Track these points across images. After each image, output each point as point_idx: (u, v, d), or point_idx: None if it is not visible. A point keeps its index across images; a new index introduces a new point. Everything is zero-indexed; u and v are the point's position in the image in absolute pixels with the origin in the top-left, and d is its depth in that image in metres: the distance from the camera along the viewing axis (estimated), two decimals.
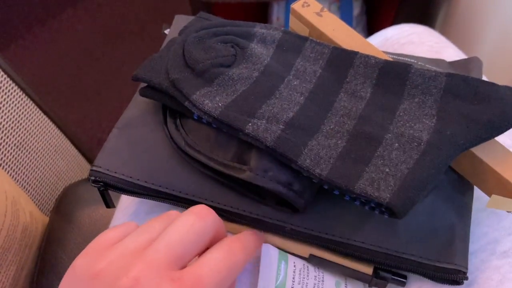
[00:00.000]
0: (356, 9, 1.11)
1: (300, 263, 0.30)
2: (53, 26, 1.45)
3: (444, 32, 0.47)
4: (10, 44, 1.39)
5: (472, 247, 0.30)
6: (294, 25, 0.38)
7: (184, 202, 0.31)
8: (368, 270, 0.29)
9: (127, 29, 1.44)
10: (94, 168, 0.31)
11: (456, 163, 0.30)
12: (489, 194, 0.29)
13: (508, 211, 0.29)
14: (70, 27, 1.45)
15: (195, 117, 0.31)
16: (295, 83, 0.32)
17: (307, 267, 0.30)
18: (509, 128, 0.28)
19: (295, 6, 0.37)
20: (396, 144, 0.27)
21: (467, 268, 0.27)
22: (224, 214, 0.30)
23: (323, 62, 0.33)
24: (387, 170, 0.26)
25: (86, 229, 0.55)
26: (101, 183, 0.31)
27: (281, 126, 0.28)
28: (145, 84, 0.32)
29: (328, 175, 0.26)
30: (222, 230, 0.25)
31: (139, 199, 0.37)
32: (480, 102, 0.28)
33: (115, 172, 0.30)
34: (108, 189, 0.31)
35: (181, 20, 0.39)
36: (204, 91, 0.30)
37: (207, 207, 0.24)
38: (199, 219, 0.23)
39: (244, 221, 0.30)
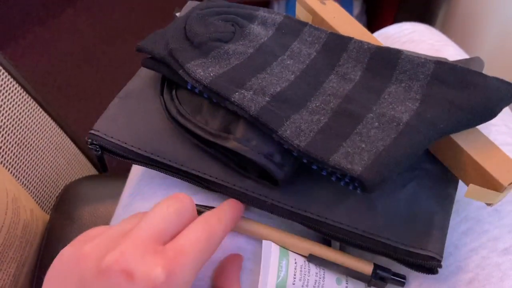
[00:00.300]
0: (356, 9, 1.11)
1: (301, 260, 0.30)
2: (53, 26, 1.45)
3: (444, 31, 0.48)
4: (11, 43, 1.39)
5: (473, 244, 0.30)
6: (300, 14, 0.39)
7: (172, 171, 0.32)
8: (367, 270, 0.29)
9: (127, 29, 1.44)
10: (92, 131, 0.33)
11: (440, 152, 0.31)
12: (468, 184, 0.29)
13: (487, 204, 0.28)
14: (70, 27, 1.45)
15: (189, 87, 0.32)
16: (288, 62, 0.33)
17: (308, 263, 0.30)
18: (492, 117, 0.28)
19: None
20: (376, 123, 0.28)
21: (441, 256, 0.27)
22: (210, 185, 0.31)
23: (319, 46, 0.34)
24: (363, 146, 0.27)
25: (87, 226, 0.55)
26: (98, 146, 0.33)
27: (267, 98, 0.29)
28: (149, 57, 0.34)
29: (306, 147, 0.27)
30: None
31: (140, 197, 0.37)
32: (466, 89, 0.29)
33: (112, 137, 0.32)
34: (104, 153, 0.33)
35: (193, 5, 0.40)
36: (199, 62, 0.31)
37: (185, 194, 0.26)
38: (177, 201, 0.25)
39: (227, 193, 0.31)
